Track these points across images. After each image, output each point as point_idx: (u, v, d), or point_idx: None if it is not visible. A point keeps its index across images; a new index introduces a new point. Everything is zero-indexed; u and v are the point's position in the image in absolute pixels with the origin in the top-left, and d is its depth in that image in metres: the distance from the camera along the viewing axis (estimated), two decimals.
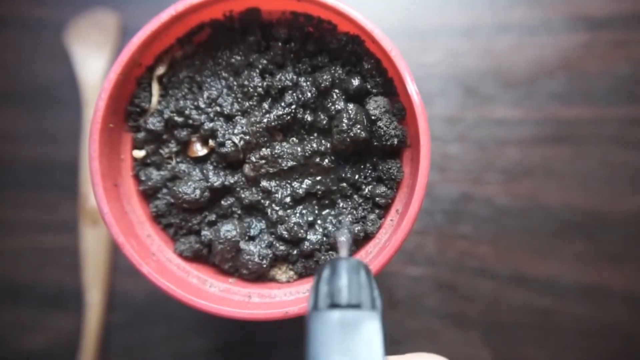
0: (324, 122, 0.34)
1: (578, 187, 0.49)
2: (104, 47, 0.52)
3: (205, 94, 0.34)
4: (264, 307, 0.31)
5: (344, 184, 0.35)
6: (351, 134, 0.32)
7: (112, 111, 0.33)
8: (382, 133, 0.33)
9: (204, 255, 0.35)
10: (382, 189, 0.34)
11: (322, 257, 0.34)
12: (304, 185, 0.34)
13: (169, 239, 0.35)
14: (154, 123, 0.34)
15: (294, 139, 0.35)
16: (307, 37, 0.35)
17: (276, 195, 0.34)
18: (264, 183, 0.34)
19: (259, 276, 0.34)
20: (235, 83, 0.34)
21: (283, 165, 0.34)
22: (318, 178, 0.35)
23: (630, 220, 0.49)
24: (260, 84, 0.34)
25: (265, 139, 0.34)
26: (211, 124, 0.34)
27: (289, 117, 0.34)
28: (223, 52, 0.35)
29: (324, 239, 0.34)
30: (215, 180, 0.34)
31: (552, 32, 0.50)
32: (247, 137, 0.33)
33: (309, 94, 0.34)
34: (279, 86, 0.34)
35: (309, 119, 0.34)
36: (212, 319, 0.48)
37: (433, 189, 0.50)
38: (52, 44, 0.52)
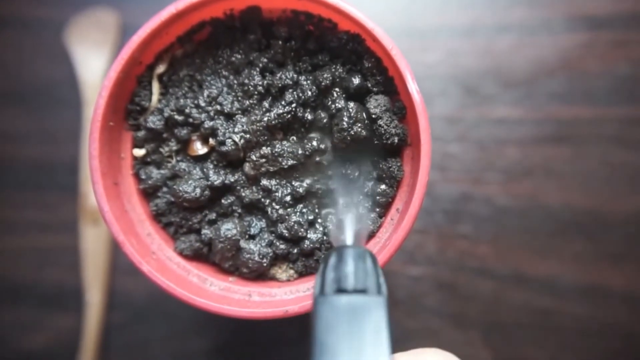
0: (325, 120, 0.34)
1: (578, 187, 0.49)
2: (104, 46, 0.52)
3: (206, 93, 0.34)
4: (264, 306, 0.31)
5: (345, 183, 0.35)
6: (352, 132, 0.32)
7: (113, 109, 0.33)
8: (383, 132, 0.33)
9: (204, 254, 0.35)
10: (382, 187, 0.34)
11: (323, 256, 0.34)
12: (304, 184, 0.34)
13: (169, 237, 0.35)
14: (154, 121, 0.34)
15: (295, 137, 0.35)
16: (308, 35, 0.35)
17: (276, 194, 0.34)
18: (264, 182, 0.34)
19: (259, 275, 0.34)
20: (235, 81, 0.34)
21: (283, 164, 0.34)
22: (318, 177, 0.35)
23: (630, 220, 0.49)
24: (260, 83, 0.34)
25: (266, 137, 0.34)
26: (211, 123, 0.34)
27: (289, 116, 0.34)
28: (223, 50, 0.35)
29: (324, 237, 0.34)
30: (216, 179, 0.34)
31: (552, 32, 0.50)
32: (248, 136, 0.33)
33: (310, 93, 0.34)
34: (280, 85, 0.34)
35: (310, 117, 0.34)
36: (212, 318, 0.48)
37: (433, 188, 0.50)
38: (52, 43, 0.52)
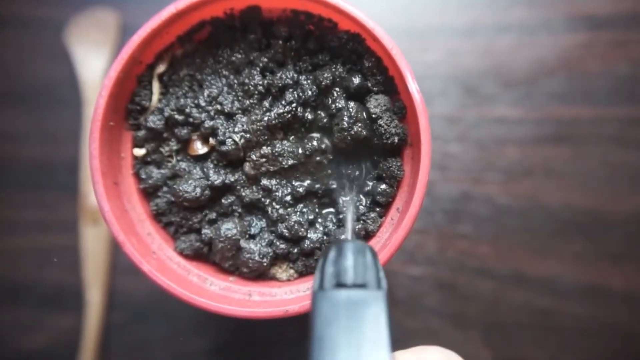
0: (325, 120, 0.34)
1: (578, 187, 0.49)
2: (104, 46, 0.52)
3: (206, 92, 0.34)
4: (264, 306, 0.31)
5: (345, 182, 0.35)
6: (352, 132, 0.32)
7: (113, 109, 0.33)
8: (383, 131, 0.33)
9: (204, 254, 0.35)
10: (382, 187, 0.34)
11: (322, 251, 0.34)
12: (304, 184, 0.34)
13: (169, 237, 0.35)
14: (154, 121, 0.34)
15: (295, 137, 0.35)
16: (308, 35, 0.35)
17: (277, 193, 0.34)
18: (264, 181, 0.34)
19: (260, 275, 0.34)
20: (235, 81, 0.34)
21: (284, 163, 0.34)
22: (318, 176, 0.35)
23: (630, 220, 0.49)
24: (260, 82, 0.34)
25: (266, 137, 0.34)
26: (212, 122, 0.34)
27: (289, 116, 0.34)
28: (224, 50, 0.35)
29: (325, 237, 0.34)
30: (216, 178, 0.34)
31: (552, 32, 0.50)
32: (248, 136, 0.33)
33: (310, 92, 0.34)
34: (280, 84, 0.34)
35: (310, 117, 0.34)
36: (212, 317, 0.48)
37: (433, 188, 0.50)
38: (52, 43, 0.52)
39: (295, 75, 0.34)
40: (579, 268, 0.49)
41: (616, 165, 0.49)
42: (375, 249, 0.33)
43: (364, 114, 0.33)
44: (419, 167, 0.31)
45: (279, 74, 0.34)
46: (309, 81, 0.34)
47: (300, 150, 0.34)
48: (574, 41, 0.50)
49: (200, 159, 0.35)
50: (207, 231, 0.34)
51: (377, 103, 0.33)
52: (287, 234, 0.34)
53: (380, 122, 0.33)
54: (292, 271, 0.35)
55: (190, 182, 0.33)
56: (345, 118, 0.32)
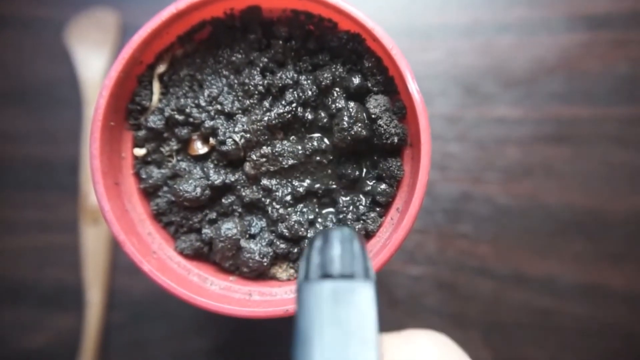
0: (325, 120, 0.34)
1: (578, 186, 0.49)
2: (104, 46, 0.52)
3: (206, 92, 0.34)
4: (264, 305, 0.31)
5: (344, 182, 0.35)
6: (352, 132, 0.32)
7: (113, 109, 0.33)
8: (383, 131, 0.33)
9: (204, 254, 0.35)
10: (382, 187, 0.34)
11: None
12: (304, 184, 0.34)
13: (169, 237, 0.35)
14: (154, 121, 0.34)
15: (295, 137, 0.35)
16: (308, 35, 0.35)
17: (277, 193, 0.34)
18: (264, 181, 0.34)
19: (260, 274, 0.34)
20: (236, 81, 0.34)
21: (284, 163, 0.34)
22: (318, 176, 0.35)
23: (630, 220, 0.49)
24: (261, 82, 0.34)
25: (266, 137, 0.34)
26: (212, 122, 0.34)
27: (289, 116, 0.34)
28: (224, 50, 0.35)
29: None
30: (216, 178, 0.34)
31: (552, 32, 0.51)
32: (248, 136, 0.33)
33: (310, 92, 0.34)
34: (280, 84, 0.34)
35: (310, 117, 0.34)
36: (213, 317, 0.48)
37: (433, 188, 0.50)
38: (52, 43, 0.52)
39: (296, 75, 0.34)
40: (579, 268, 0.49)
41: (616, 165, 0.49)
42: (375, 249, 0.33)
43: (364, 114, 0.33)
44: (418, 167, 0.31)
45: (279, 74, 0.34)
46: (309, 81, 0.34)
47: (300, 150, 0.34)
48: (574, 41, 0.50)
49: (200, 158, 0.35)
50: (207, 231, 0.34)
51: (376, 103, 0.33)
52: (287, 234, 0.34)
53: (380, 122, 0.33)
54: (292, 271, 0.35)
55: (190, 181, 0.33)
56: (345, 118, 0.32)
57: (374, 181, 0.34)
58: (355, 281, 0.22)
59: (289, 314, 0.30)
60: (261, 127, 0.34)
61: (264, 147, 0.34)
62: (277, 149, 0.34)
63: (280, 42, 0.34)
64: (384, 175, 0.34)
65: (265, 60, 0.34)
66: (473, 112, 0.50)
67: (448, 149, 0.50)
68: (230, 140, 0.33)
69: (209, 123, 0.34)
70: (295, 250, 0.34)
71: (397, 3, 0.52)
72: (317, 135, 0.34)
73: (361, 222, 0.34)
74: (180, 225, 0.35)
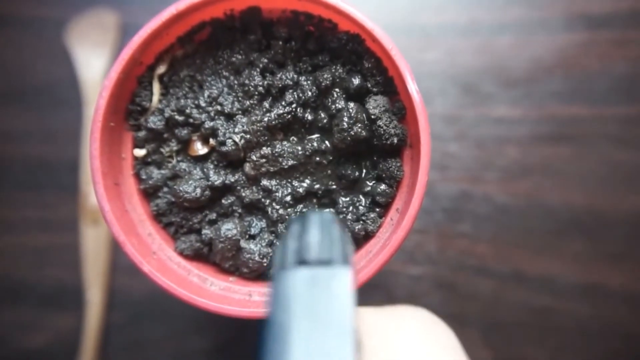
0: (325, 121, 0.34)
1: (577, 186, 0.49)
2: (105, 47, 0.52)
3: (206, 93, 0.34)
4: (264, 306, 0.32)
5: (344, 183, 0.35)
6: (352, 132, 0.32)
7: (113, 110, 0.33)
8: (382, 132, 0.33)
9: (204, 254, 0.35)
10: (382, 187, 0.34)
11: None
12: (304, 184, 0.34)
13: (169, 237, 0.35)
14: (154, 122, 0.35)
15: (295, 137, 0.35)
16: (308, 36, 0.35)
17: (277, 194, 0.34)
18: (264, 182, 0.34)
19: (260, 275, 0.34)
20: (236, 82, 0.34)
21: (284, 164, 0.34)
22: (318, 177, 0.35)
23: (629, 220, 0.49)
24: (260, 83, 0.34)
25: (266, 137, 0.34)
26: (212, 123, 0.34)
27: (289, 116, 0.34)
28: (224, 51, 0.35)
29: None
30: (216, 179, 0.34)
31: (551, 31, 0.51)
32: (248, 136, 0.33)
33: (310, 93, 0.34)
34: (280, 85, 0.34)
35: (310, 118, 0.34)
36: (213, 318, 0.48)
37: (433, 187, 0.50)
38: (52, 43, 0.52)
39: (295, 76, 0.34)
40: (578, 267, 0.49)
41: (615, 165, 0.49)
42: (375, 249, 0.33)
43: (364, 114, 0.33)
44: (418, 167, 0.31)
45: (279, 75, 0.34)
46: (308, 82, 0.34)
47: (300, 151, 0.34)
48: (573, 40, 0.50)
49: (200, 159, 0.35)
50: (207, 231, 0.34)
51: (376, 104, 0.33)
52: None
53: (379, 122, 0.33)
54: None
55: (190, 182, 0.33)
56: (345, 119, 0.33)
57: (373, 182, 0.35)
58: (333, 267, 0.21)
59: None
60: (261, 128, 0.34)
61: (264, 148, 0.34)
62: (277, 150, 0.34)
63: (280, 42, 0.34)
64: (383, 175, 0.34)
65: (265, 61, 0.34)
66: (472, 111, 0.50)
67: (447, 148, 0.50)
68: (230, 140, 0.33)
69: (209, 124, 0.34)
70: None
71: (396, 3, 0.52)
72: (316, 135, 0.34)
73: (361, 222, 0.34)
74: (180, 225, 0.35)
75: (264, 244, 0.34)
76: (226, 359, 0.50)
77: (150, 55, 0.34)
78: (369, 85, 0.34)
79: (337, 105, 0.33)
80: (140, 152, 0.35)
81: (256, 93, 0.34)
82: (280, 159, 0.34)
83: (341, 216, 0.34)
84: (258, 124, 0.33)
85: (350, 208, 0.34)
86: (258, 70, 0.34)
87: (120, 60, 0.32)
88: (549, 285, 0.49)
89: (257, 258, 0.33)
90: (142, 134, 0.35)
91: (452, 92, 0.51)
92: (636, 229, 0.49)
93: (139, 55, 0.33)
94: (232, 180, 0.34)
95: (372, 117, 0.33)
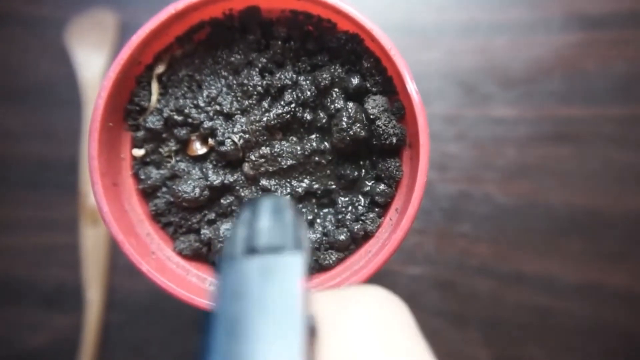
0: (324, 120, 0.34)
1: (577, 186, 0.49)
2: (104, 46, 0.52)
3: (205, 93, 0.34)
4: None
5: (343, 183, 0.35)
6: (351, 132, 0.32)
7: (112, 110, 0.33)
8: (381, 132, 0.33)
9: (203, 254, 0.35)
10: (381, 187, 0.34)
11: (322, 256, 0.34)
12: (303, 184, 0.34)
13: (168, 237, 0.35)
14: (153, 122, 0.34)
15: (294, 137, 0.35)
16: (307, 35, 0.35)
17: (276, 194, 0.34)
18: (263, 182, 0.34)
19: None
20: (234, 82, 0.34)
21: (282, 164, 0.34)
22: (317, 177, 0.35)
23: (629, 219, 0.49)
24: (259, 83, 0.34)
25: (265, 137, 0.34)
26: (211, 123, 0.34)
27: (288, 116, 0.34)
28: (223, 50, 0.35)
29: (324, 237, 0.34)
30: (215, 179, 0.34)
31: (550, 31, 0.51)
32: (247, 136, 0.33)
33: (309, 93, 0.34)
34: (279, 85, 0.34)
35: (309, 117, 0.34)
36: None
37: (432, 187, 0.50)
38: (52, 43, 0.52)
39: (294, 75, 0.34)
40: (578, 267, 0.49)
41: (614, 164, 0.49)
42: (374, 249, 0.33)
43: (363, 114, 0.33)
44: (417, 167, 0.31)
45: (278, 75, 0.34)
46: (307, 82, 0.34)
47: (299, 151, 0.34)
48: (571, 40, 0.50)
49: (199, 159, 0.35)
50: (206, 231, 0.34)
51: (375, 104, 0.33)
52: None
53: (378, 122, 0.33)
54: None
55: (189, 182, 0.33)
56: (344, 118, 0.33)
57: (372, 181, 0.34)
58: (284, 253, 0.19)
59: None
60: (260, 128, 0.34)
61: (263, 148, 0.34)
62: (276, 150, 0.34)
63: (279, 42, 0.34)
64: (382, 175, 0.34)
65: (264, 60, 0.34)
66: (471, 112, 0.50)
67: (447, 149, 0.50)
68: (229, 140, 0.33)
69: (207, 123, 0.34)
70: None
71: (395, 2, 0.52)
72: (315, 135, 0.34)
73: (360, 222, 0.34)
74: (179, 225, 0.35)
75: None
76: None
77: (149, 55, 0.34)
78: (368, 85, 0.34)
79: (336, 105, 0.33)
80: (139, 152, 0.35)
81: (255, 93, 0.34)
82: (279, 159, 0.34)
83: (340, 216, 0.34)
84: (257, 124, 0.33)
85: (350, 208, 0.34)
86: (257, 70, 0.34)
87: (118, 60, 0.32)
88: (549, 285, 0.49)
89: None
90: (140, 133, 0.35)
91: (452, 92, 0.51)
92: (635, 229, 0.49)
93: (138, 55, 0.33)
94: (231, 180, 0.34)
95: (371, 117, 0.33)
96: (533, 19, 0.51)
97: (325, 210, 0.35)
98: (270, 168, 0.34)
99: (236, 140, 0.33)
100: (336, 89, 0.34)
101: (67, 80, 0.52)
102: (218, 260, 0.21)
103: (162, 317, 0.50)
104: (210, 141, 0.34)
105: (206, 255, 0.35)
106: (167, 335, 0.50)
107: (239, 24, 0.35)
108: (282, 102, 0.34)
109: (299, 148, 0.34)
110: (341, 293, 0.22)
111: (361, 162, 0.35)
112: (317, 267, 0.34)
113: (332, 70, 0.34)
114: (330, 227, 0.34)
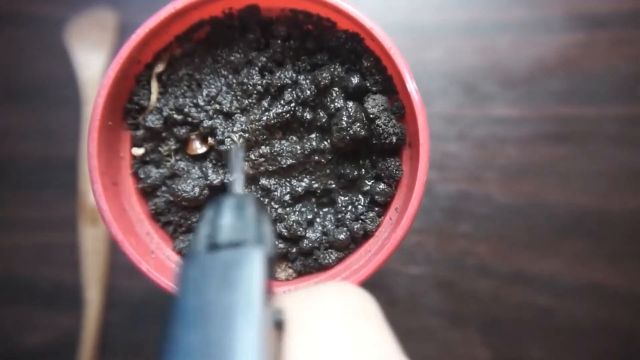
0: (324, 120, 0.34)
1: (578, 185, 0.49)
2: (103, 45, 0.52)
3: (205, 92, 0.34)
4: None
5: (343, 182, 0.35)
6: (351, 132, 0.32)
7: (111, 109, 0.33)
8: (381, 131, 0.33)
9: None
10: (381, 187, 0.34)
11: (321, 255, 0.34)
12: (303, 183, 0.34)
13: (168, 236, 0.35)
14: (153, 121, 0.34)
15: (294, 137, 0.35)
16: (307, 34, 0.35)
17: (275, 193, 0.34)
18: (263, 181, 0.34)
19: None
20: (234, 81, 0.34)
21: (282, 163, 0.34)
22: (317, 176, 0.34)
23: (630, 219, 0.49)
24: (259, 82, 0.34)
25: (265, 137, 0.34)
26: (210, 122, 0.34)
27: (288, 115, 0.33)
28: (222, 49, 0.35)
29: (324, 237, 0.34)
30: (215, 178, 0.34)
31: (552, 31, 0.50)
32: (247, 135, 0.33)
33: (309, 92, 0.34)
34: (279, 84, 0.34)
35: (309, 117, 0.34)
36: None
37: (432, 187, 0.50)
38: (51, 42, 0.52)
39: (294, 75, 0.34)
40: (578, 267, 0.49)
41: (616, 164, 0.49)
42: (374, 248, 0.33)
43: (363, 113, 0.33)
44: (417, 166, 0.30)
45: (277, 74, 0.34)
46: (307, 81, 0.34)
47: (299, 150, 0.34)
48: (574, 40, 0.50)
49: (199, 158, 0.35)
50: None
51: (374, 103, 0.33)
52: (285, 234, 0.34)
53: (378, 122, 0.33)
54: (290, 270, 0.35)
55: (189, 181, 0.33)
56: (344, 118, 0.32)
57: (372, 181, 0.34)
58: (245, 248, 0.19)
59: None
60: (260, 127, 0.33)
61: (263, 147, 0.34)
62: (275, 149, 0.34)
63: (279, 41, 0.34)
64: (382, 175, 0.34)
65: (264, 59, 0.34)
66: (472, 111, 0.50)
67: (447, 148, 0.50)
68: (228, 139, 0.33)
69: (207, 123, 0.34)
70: (294, 250, 0.34)
71: (395, 2, 0.52)
72: (315, 135, 0.34)
73: (360, 221, 0.34)
74: (178, 225, 0.35)
75: None
76: None
77: (148, 54, 0.34)
78: (368, 84, 0.34)
79: (336, 104, 0.33)
80: (138, 151, 0.35)
81: (255, 92, 0.34)
82: (279, 158, 0.34)
83: (340, 215, 0.34)
84: (257, 123, 0.33)
85: (349, 207, 0.34)
86: (257, 69, 0.34)
87: (118, 59, 0.32)
88: (549, 285, 0.49)
89: None
90: (140, 133, 0.35)
91: (452, 92, 0.50)
92: (637, 229, 0.49)
93: (137, 54, 0.33)
94: (231, 179, 0.34)
95: (371, 116, 0.33)
96: (534, 18, 0.51)
97: (325, 209, 0.35)
98: (270, 167, 0.34)
99: (236, 139, 0.33)
100: (336, 88, 0.34)
101: (67, 80, 0.52)
102: (182, 258, 0.21)
103: (161, 316, 0.50)
104: (210, 140, 0.34)
105: None
106: None
107: (239, 22, 0.35)
108: (282, 101, 0.34)
109: (298, 147, 0.34)
110: (310, 290, 0.23)
111: (361, 162, 0.35)
112: (316, 267, 0.34)
113: (332, 69, 0.34)
114: (330, 226, 0.34)
